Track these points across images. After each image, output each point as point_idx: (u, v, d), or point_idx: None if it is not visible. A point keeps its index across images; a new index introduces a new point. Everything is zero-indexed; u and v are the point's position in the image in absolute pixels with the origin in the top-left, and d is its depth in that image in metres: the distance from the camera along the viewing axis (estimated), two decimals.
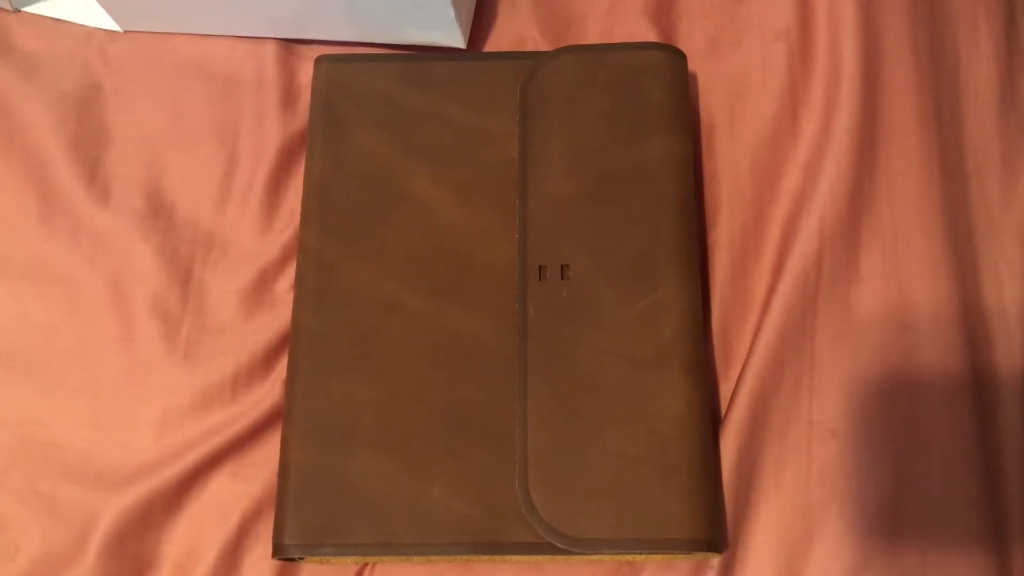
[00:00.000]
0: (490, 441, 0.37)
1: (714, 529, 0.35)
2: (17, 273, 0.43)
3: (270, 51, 0.46)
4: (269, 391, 0.41)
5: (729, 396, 0.39)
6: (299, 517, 0.36)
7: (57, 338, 0.42)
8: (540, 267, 0.39)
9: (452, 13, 0.42)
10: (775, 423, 0.38)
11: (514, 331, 0.38)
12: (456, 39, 0.45)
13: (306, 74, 0.46)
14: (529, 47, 0.47)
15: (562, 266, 0.39)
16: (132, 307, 0.42)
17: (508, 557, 0.36)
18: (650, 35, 0.46)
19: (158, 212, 0.44)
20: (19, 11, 0.49)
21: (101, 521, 0.39)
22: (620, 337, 0.37)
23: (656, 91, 0.41)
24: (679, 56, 0.42)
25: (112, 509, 0.39)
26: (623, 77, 0.42)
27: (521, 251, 0.39)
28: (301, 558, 0.37)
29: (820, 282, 0.40)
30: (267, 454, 0.40)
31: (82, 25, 0.48)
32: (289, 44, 0.47)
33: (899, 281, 0.39)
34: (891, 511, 0.36)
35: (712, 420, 0.38)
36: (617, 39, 0.46)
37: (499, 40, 0.47)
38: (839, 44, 0.43)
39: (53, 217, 0.44)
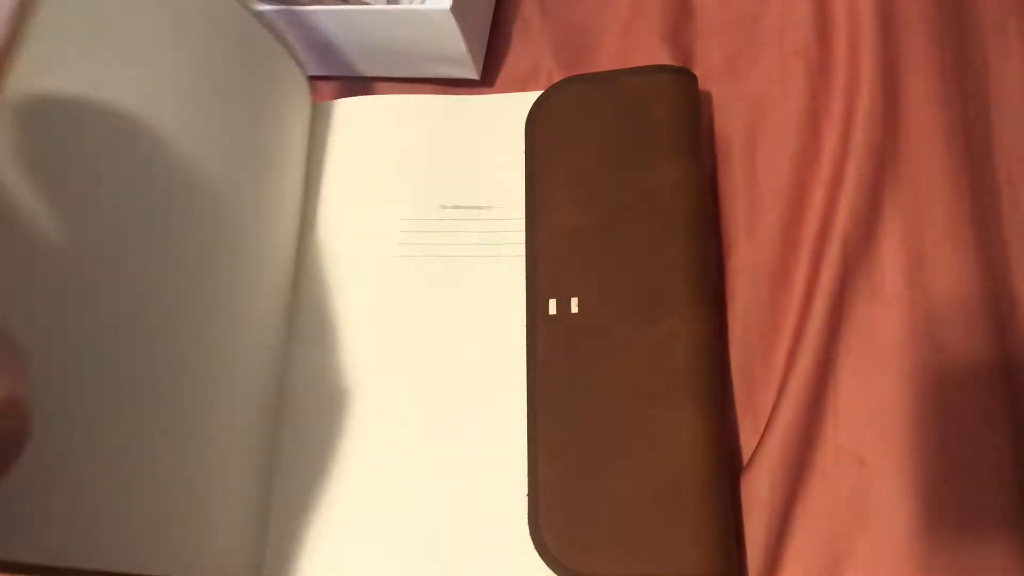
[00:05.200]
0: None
1: (727, 564, 0.34)
2: None
3: None
4: None
5: (750, 427, 0.38)
6: None
7: None
8: (549, 301, 0.38)
9: (464, 47, 0.42)
10: (803, 453, 0.37)
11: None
12: (469, 71, 0.45)
13: None
14: (543, 74, 0.46)
15: (571, 299, 0.38)
16: None
17: None
18: (666, 56, 0.45)
19: None
20: None
21: None
22: (629, 370, 0.37)
23: (663, 115, 0.40)
24: (688, 77, 0.42)
25: None
26: (629, 102, 0.41)
27: (530, 286, 0.39)
28: None
29: (844, 305, 0.38)
30: None
31: None
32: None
33: (927, 301, 0.38)
34: (924, 538, 0.35)
35: (729, 452, 0.37)
36: (633, 62, 0.45)
37: (513, 68, 0.47)
38: (859, 58, 0.42)
39: None
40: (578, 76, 0.42)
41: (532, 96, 0.43)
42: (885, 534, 0.35)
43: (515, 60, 0.47)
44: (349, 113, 0.44)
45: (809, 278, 0.40)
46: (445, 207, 0.42)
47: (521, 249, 0.41)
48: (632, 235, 0.39)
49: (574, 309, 0.38)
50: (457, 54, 0.43)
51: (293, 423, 0.39)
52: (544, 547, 0.35)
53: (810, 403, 0.37)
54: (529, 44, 0.47)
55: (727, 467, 0.36)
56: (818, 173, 0.41)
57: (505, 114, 0.43)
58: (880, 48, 0.42)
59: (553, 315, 0.38)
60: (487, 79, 0.46)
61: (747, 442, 0.38)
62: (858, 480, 0.36)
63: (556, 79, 0.46)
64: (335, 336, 0.40)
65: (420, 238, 0.42)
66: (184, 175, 0.34)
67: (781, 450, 0.37)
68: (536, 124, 0.42)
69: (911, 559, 0.35)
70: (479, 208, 0.42)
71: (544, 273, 0.39)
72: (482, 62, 0.46)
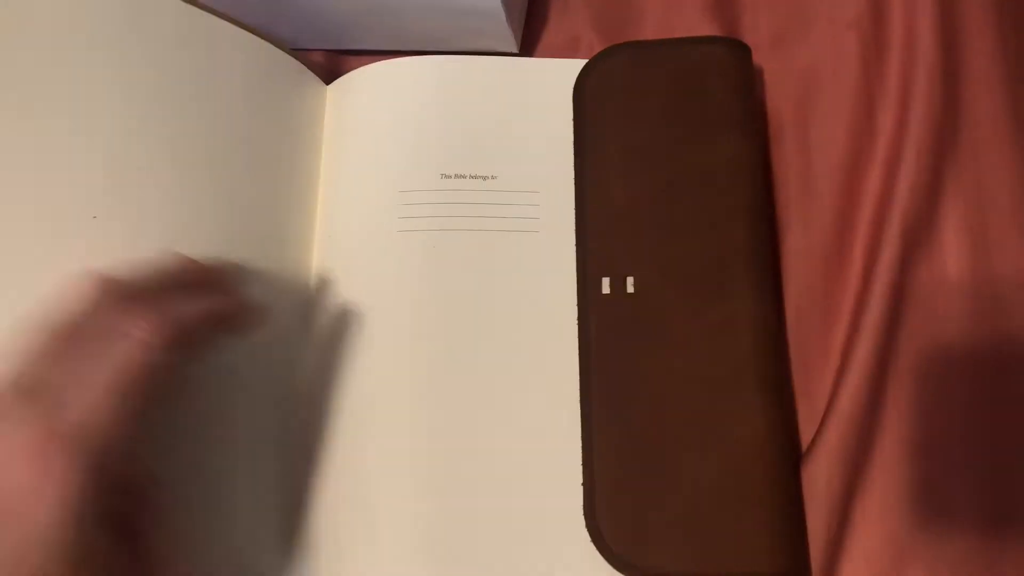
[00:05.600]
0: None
1: (796, 560, 0.33)
2: None
3: (316, 63, 0.45)
4: None
5: (807, 415, 0.37)
6: None
7: None
8: (602, 280, 0.37)
9: (504, 18, 0.40)
10: (863, 444, 0.35)
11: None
12: (509, 44, 0.43)
13: None
14: (584, 45, 0.44)
15: (626, 278, 0.37)
16: None
17: None
18: (711, 30, 0.43)
19: None
20: None
21: None
22: (691, 355, 0.35)
23: (720, 89, 0.39)
24: (744, 50, 0.40)
25: None
26: (684, 74, 0.39)
27: (581, 264, 0.37)
28: None
29: (904, 290, 0.37)
30: None
31: None
32: (335, 55, 0.46)
33: (992, 287, 0.37)
34: (993, 534, 0.34)
35: (792, 443, 0.36)
36: (676, 34, 0.43)
37: (552, 41, 0.45)
38: (916, 31, 0.40)
39: None
40: (629, 43, 0.40)
41: (543, 62, 0.41)
42: (951, 530, 0.34)
43: (553, 34, 0.45)
44: (369, 80, 0.42)
45: (866, 262, 0.38)
46: (447, 176, 0.39)
47: (543, 223, 0.38)
48: (689, 212, 0.37)
49: (630, 289, 0.36)
50: (497, 27, 0.41)
51: (313, 423, 0.37)
52: (600, 538, 0.33)
53: (870, 392, 0.36)
54: (568, 17, 0.45)
55: (794, 459, 0.35)
56: (874, 153, 0.40)
57: (529, 79, 0.41)
58: (939, 20, 0.40)
59: (606, 295, 0.36)
60: (526, 52, 0.45)
61: (804, 431, 0.37)
62: (922, 473, 0.35)
63: (597, 52, 0.44)
64: (362, 325, 0.38)
65: (422, 211, 0.39)
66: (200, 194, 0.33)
67: (840, 441, 0.35)
68: (585, 90, 0.40)
69: (978, 556, 0.33)
70: (484, 178, 0.39)
71: (596, 249, 0.37)
72: (521, 35, 0.44)
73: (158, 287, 0.29)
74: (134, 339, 0.26)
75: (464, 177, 0.39)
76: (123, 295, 0.27)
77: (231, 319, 0.31)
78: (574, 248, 0.38)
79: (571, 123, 0.40)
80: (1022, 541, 0.34)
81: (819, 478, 0.35)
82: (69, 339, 0.26)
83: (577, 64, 0.41)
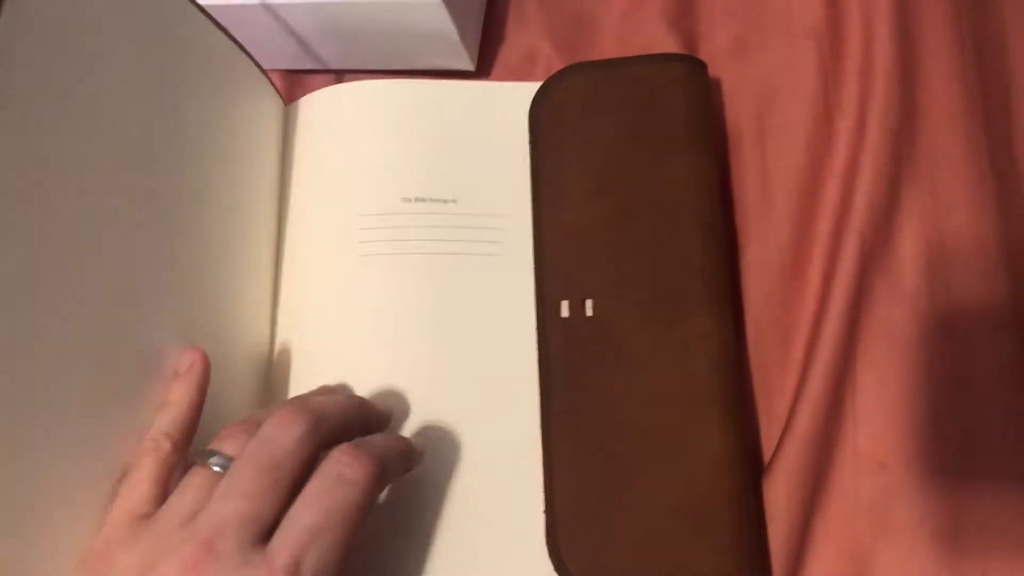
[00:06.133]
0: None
1: None
2: None
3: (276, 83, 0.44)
4: None
5: (766, 431, 0.37)
6: None
7: None
8: (561, 303, 0.37)
9: (457, 38, 0.40)
10: (821, 459, 0.35)
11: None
12: (465, 62, 0.42)
13: None
14: (541, 61, 0.44)
15: (584, 301, 0.36)
16: None
17: None
18: (669, 40, 0.43)
19: None
20: None
21: None
22: (650, 377, 0.35)
23: (676, 108, 0.38)
24: (699, 65, 0.40)
25: None
26: (638, 94, 0.39)
27: (539, 287, 0.37)
28: None
29: (862, 303, 0.37)
30: None
31: None
32: (292, 75, 0.45)
33: (949, 298, 0.37)
34: (950, 546, 0.34)
35: (753, 462, 0.36)
36: (634, 47, 0.43)
37: (509, 56, 0.45)
38: (874, 40, 0.40)
39: None
40: (583, 64, 0.40)
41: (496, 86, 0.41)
42: (909, 542, 0.34)
43: (511, 48, 0.45)
44: (328, 103, 0.41)
45: (825, 275, 0.38)
46: (408, 200, 0.39)
47: (504, 247, 0.38)
48: (646, 233, 0.37)
49: (588, 312, 0.36)
50: (450, 44, 0.41)
51: None
52: (562, 566, 0.33)
53: (828, 407, 0.36)
54: (525, 31, 0.45)
55: (755, 478, 0.35)
56: (832, 164, 0.39)
57: (492, 101, 0.41)
58: (897, 28, 0.40)
59: (565, 318, 0.36)
60: (483, 69, 0.44)
61: (764, 447, 0.37)
62: (880, 486, 0.35)
63: (555, 68, 0.43)
64: (319, 348, 0.38)
65: (383, 235, 0.39)
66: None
67: (799, 457, 0.35)
68: (541, 112, 0.40)
69: (937, 568, 0.33)
70: (444, 202, 0.39)
71: (554, 273, 0.37)
72: (477, 50, 0.43)
73: (346, 427, 0.31)
74: (356, 484, 0.28)
75: (425, 201, 0.39)
76: (326, 435, 0.29)
77: (412, 458, 0.33)
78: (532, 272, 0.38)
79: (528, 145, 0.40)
80: (981, 553, 0.34)
81: (779, 495, 0.35)
82: (283, 475, 0.28)
83: (534, 86, 0.41)
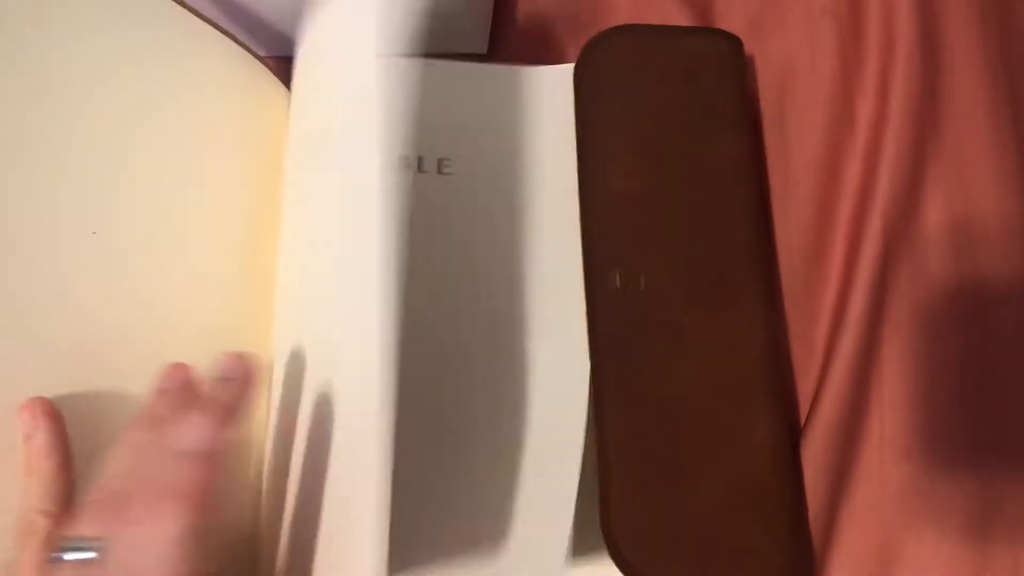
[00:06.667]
0: None
1: (804, 568, 0.33)
2: None
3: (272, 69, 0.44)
4: None
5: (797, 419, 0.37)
6: None
7: None
8: (613, 275, 0.35)
9: (469, 21, 0.39)
10: (847, 447, 0.35)
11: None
12: (476, 44, 0.42)
13: None
14: (554, 44, 0.43)
15: (639, 276, 0.35)
16: None
17: None
18: (684, 19, 0.42)
19: None
20: None
21: None
22: (701, 360, 0.34)
23: (723, 82, 0.38)
24: (737, 43, 0.39)
25: None
26: (685, 64, 0.38)
27: (587, 257, 0.36)
28: None
29: (886, 286, 0.36)
30: None
31: None
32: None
33: (974, 279, 0.36)
34: (980, 535, 0.33)
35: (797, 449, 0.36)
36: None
37: (521, 40, 0.44)
38: (894, 16, 0.39)
39: None
40: (630, 26, 0.39)
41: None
42: (938, 531, 0.34)
43: (523, 30, 0.44)
44: None
45: (848, 256, 0.37)
46: (428, 172, 0.39)
47: (545, 219, 0.38)
48: (695, 210, 0.36)
49: (642, 285, 0.35)
50: (462, 27, 0.40)
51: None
52: (616, 549, 0.33)
53: (853, 393, 0.35)
54: (537, 12, 0.44)
55: (801, 468, 0.35)
56: (854, 143, 0.39)
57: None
58: (916, 3, 0.39)
59: (616, 290, 0.35)
60: (495, 50, 0.43)
61: None
62: (906, 474, 0.34)
63: (568, 49, 0.43)
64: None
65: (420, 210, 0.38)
66: None
67: (824, 443, 0.35)
68: (588, 71, 0.39)
69: (966, 558, 0.33)
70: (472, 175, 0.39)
71: (603, 243, 0.36)
72: (488, 34, 0.42)
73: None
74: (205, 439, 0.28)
75: (452, 175, 0.39)
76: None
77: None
78: (580, 243, 0.37)
79: (568, 123, 0.39)
80: (1011, 543, 0.33)
81: (806, 478, 0.35)
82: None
83: (556, 69, 0.40)
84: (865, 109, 0.39)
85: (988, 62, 0.38)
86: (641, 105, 0.38)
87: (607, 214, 0.36)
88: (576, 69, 0.39)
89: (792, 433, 0.34)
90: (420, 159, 0.39)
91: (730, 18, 0.42)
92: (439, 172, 0.39)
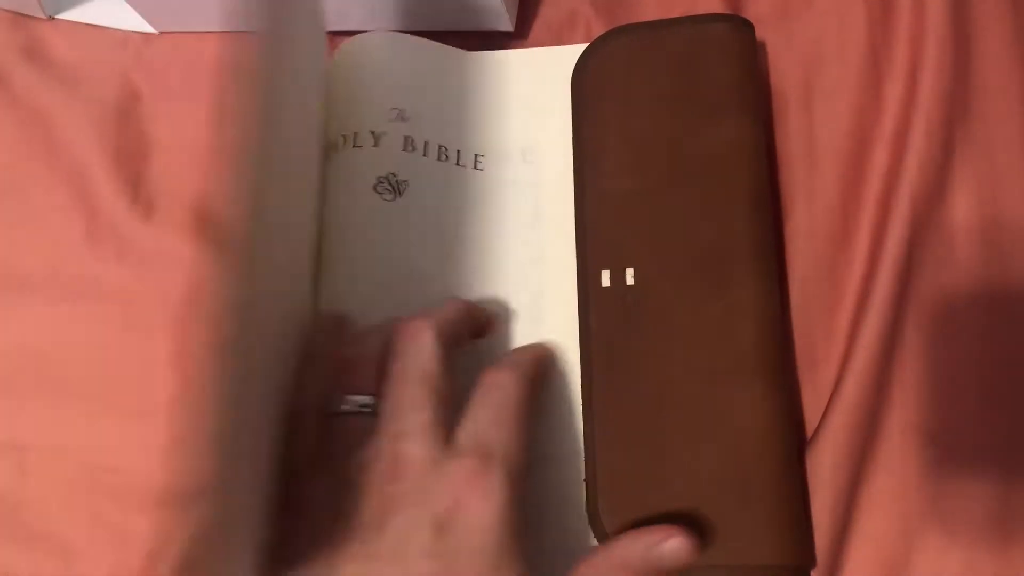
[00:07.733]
0: None
1: (802, 553, 0.32)
2: (65, 294, 0.42)
3: None
4: None
5: (811, 401, 0.36)
6: None
7: (110, 360, 0.41)
8: (602, 272, 0.36)
9: None
10: (868, 431, 0.34)
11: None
12: (504, 22, 0.42)
13: None
14: (581, 24, 0.43)
15: (625, 270, 0.36)
16: (185, 325, 0.41)
17: None
18: (715, 3, 0.42)
19: (206, 225, 0.42)
20: (54, 19, 0.47)
21: (170, 547, 0.38)
22: (693, 347, 0.34)
23: (722, 69, 0.37)
24: (746, 26, 0.38)
25: (181, 535, 0.38)
26: (683, 55, 0.38)
27: (580, 256, 0.37)
28: None
29: (911, 271, 0.36)
30: None
31: (117, 29, 0.47)
32: (330, 36, 0.45)
33: (1003, 267, 0.35)
34: (1003, 525, 0.33)
35: (796, 431, 0.35)
36: (678, 8, 0.42)
37: (548, 18, 0.44)
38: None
39: (99, 235, 0.43)
40: (628, 26, 0.39)
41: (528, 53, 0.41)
42: (959, 520, 0.33)
43: (550, 10, 0.44)
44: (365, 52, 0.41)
45: (873, 243, 0.37)
46: (442, 161, 0.39)
47: (544, 215, 0.39)
48: (690, 200, 0.36)
49: (629, 281, 0.35)
50: (489, 4, 0.40)
51: None
52: (604, 536, 0.33)
53: (876, 378, 0.35)
54: None
55: (797, 448, 0.34)
56: (882, 128, 0.38)
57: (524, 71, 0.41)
58: None
59: (606, 287, 0.36)
60: (521, 29, 0.43)
61: (808, 418, 0.36)
62: (928, 462, 0.34)
63: (595, 29, 0.43)
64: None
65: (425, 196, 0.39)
66: None
67: (845, 428, 0.34)
68: (584, 77, 0.39)
69: (988, 547, 0.33)
70: (481, 168, 0.40)
71: (595, 242, 0.36)
72: (516, 12, 0.42)
73: (462, 327, 0.34)
74: (508, 386, 0.32)
75: (463, 166, 0.40)
76: (449, 336, 0.33)
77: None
78: (574, 240, 0.38)
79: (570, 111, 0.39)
80: None
81: (824, 466, 0.34)
82: (437, 380, 0.31)
83: (575, 50, 0.40)
84: (894, 93, 0.38)
85: (1021, 46, 0.38)
86: (638, 101, 0.38)
87: (599, 214, 0.37)
88: (574, 74, 0.40)
89: (789, 415, 0.34)
90: (458, 152, 0.40)
91: (758, 2, 0.42)
92: (475, 168, 0.40)
